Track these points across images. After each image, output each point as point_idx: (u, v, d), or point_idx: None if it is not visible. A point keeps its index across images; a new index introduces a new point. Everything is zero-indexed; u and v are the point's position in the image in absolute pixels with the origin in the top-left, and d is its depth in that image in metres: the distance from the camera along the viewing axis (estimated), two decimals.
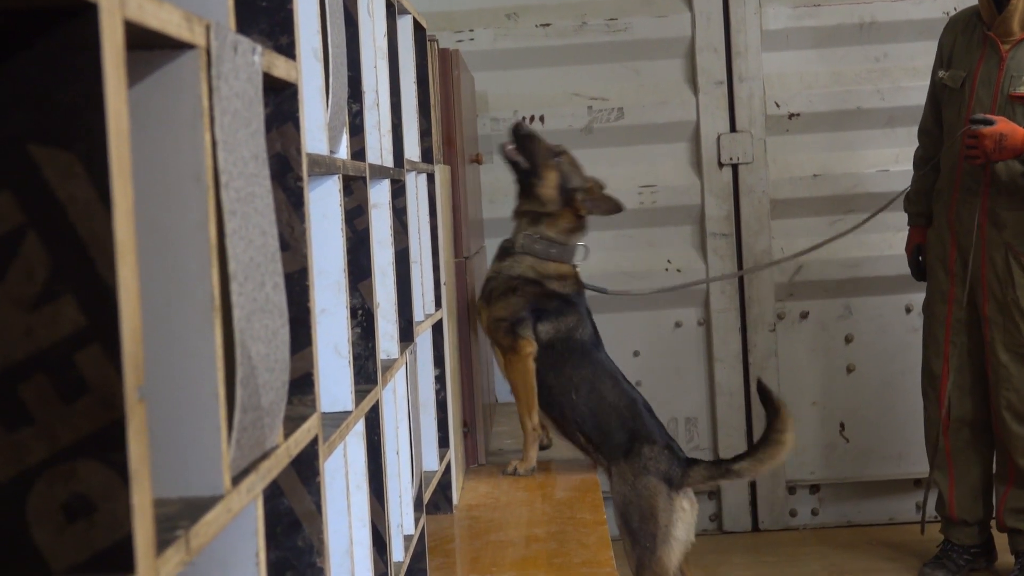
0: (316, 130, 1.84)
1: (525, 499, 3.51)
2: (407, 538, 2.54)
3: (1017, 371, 4.40)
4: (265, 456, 1.37)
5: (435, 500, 3.31)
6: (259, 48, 1.38)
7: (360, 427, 2.05)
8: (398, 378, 2.59)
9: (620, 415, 3.61)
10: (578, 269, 3.78)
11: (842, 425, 5.31)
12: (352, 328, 2.09)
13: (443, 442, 3.27)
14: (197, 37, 1.17)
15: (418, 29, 3.14)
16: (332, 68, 1.92)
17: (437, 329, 3.25)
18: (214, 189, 1.20)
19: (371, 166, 2.31)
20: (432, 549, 3.01)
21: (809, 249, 4.72)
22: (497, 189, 5.21)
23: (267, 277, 1.36)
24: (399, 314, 2.61)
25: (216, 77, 1.22)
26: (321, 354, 1.88)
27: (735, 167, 5.27)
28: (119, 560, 0.97)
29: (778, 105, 5.26)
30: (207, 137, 1.19)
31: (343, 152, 2.06)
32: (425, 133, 3.20)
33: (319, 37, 1.81)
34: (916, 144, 4.75)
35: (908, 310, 5.25)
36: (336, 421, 1.85)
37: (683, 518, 3.46)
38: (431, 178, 3.22)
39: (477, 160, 4.38)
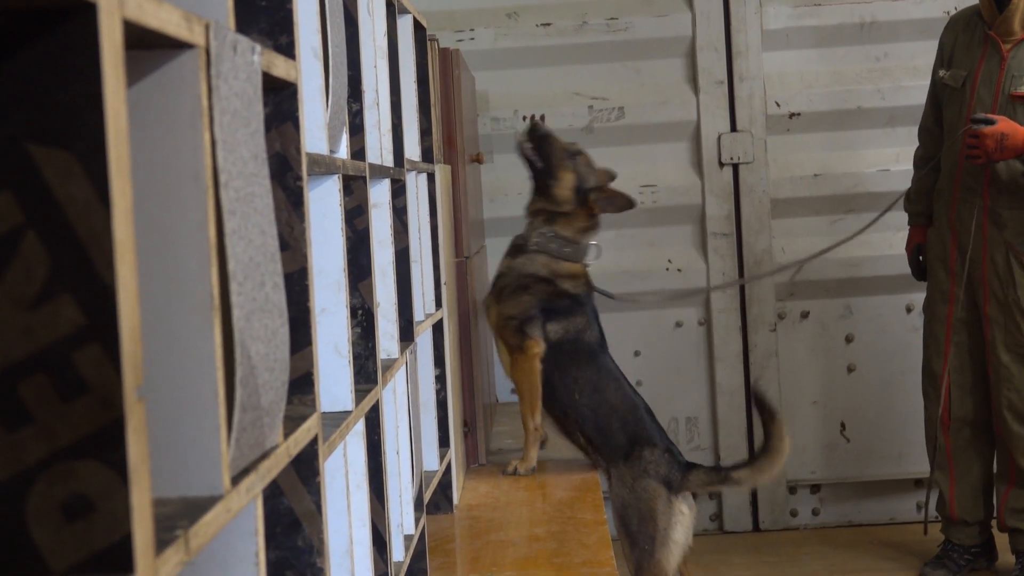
0: (316, 129, 1.84)
1: (525, 499, 3.51)
2: (407, 538, 2.54)
3: (1018, 371, 4.40)
4: (265, 456, 1.37)
5: (435, 500, 3.31)
6: (258, 48, 1.38)
7: (360, 427, 2.05)
8: (398, 378, 2.59)
9: (621, 418, 3.61)
10: (589, 269, 3.77)
11: (843, 425, 5.31)
12: (352, 328, 2.09)
13: (443, 442, 3.27)
14: (196, 37, 1.17)
15: (418, 28, 3.14)
16: (332, 67, 1.92)
17: (437, 329, 3.25)
18: (213, 189, 1.20)
19: (371, 166, 2.31)
20: (432, 549, 3.01)
21: (811, 257, 4.73)
22: (497, 189, 5.22)
23: (267, 277, 1.36)
24: (399, 314, 2.61)
25: (215, 77, 1.22)
26: (321, 354, 1.88)
27: (736, 167, 5.27)
28: (118, 560, 0.97)
29: (779, 105, 5.25)
30: (206, 137, 1.19)
31: (343, 152, 2.06)
32: (425, 133, 3.20)
33: (319, 36, 1.81)
34: (916, 143, 4.75)
35: (909, 310, 5.25)
36: (336, 421, 1.85)
37: (682, 521, 3.46)
38: (431, 178, 3.22)
39: (478, 160, 4.38)
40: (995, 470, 4.61)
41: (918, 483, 5.26)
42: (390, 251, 2.54)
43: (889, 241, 5.12)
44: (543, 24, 5.24)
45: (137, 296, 1.01)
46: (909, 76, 5.22)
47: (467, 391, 3.71)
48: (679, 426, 5.27)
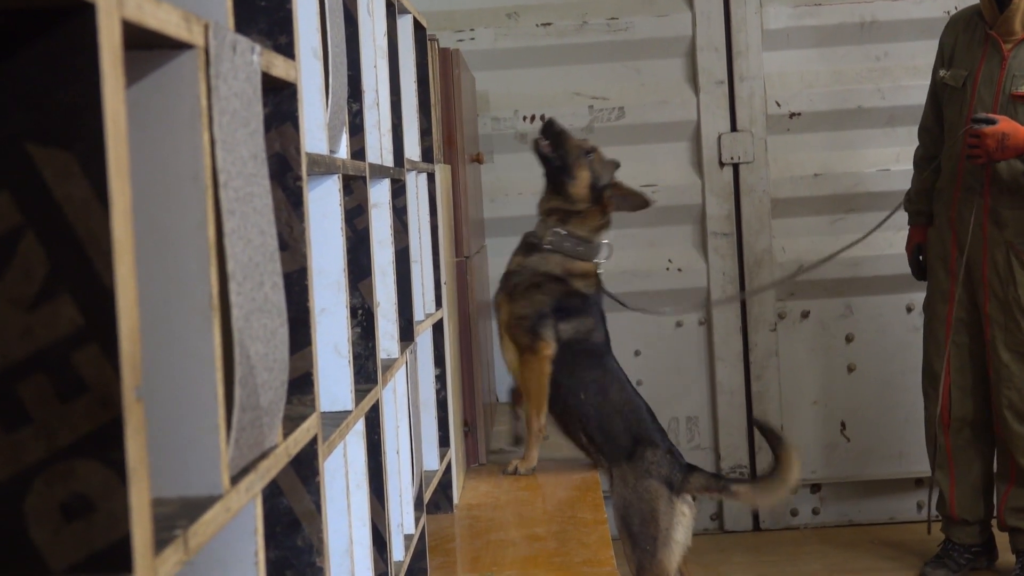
0: (316, 129, 1.84)
1: (526, 498, 3.51)
2: (407, 537, 2.54)
3: (1018, 370, 4.40)
4: (264, 455, 1.37)
5: (436, 499, 3.32)
6: (258, 48, 1.38)
7: (360, 426, 2.05)
8: (398, 377, 2.59)
9: (625, 418, 3.62)
10: (600, 269, 3.78)
11: (843, 424, 5.31)
12: (352, 327, 2.09)
13: (444, 441, 3.27)
14: (196, 37, 1.17)
15: (418, 28, 3.14)
16: (332, 67, 1.92)
17: (438, 328, 3.25)
18: (212, 189, 1.21)
19: (371, 165, 2.32)
20: (432, 548, 3.01)
21: (814, 264, 4.74)
22: (498, 188, 5.22)
23: (266, 277, 1.36)
24: (399, 313, 2.61)
25: (215, 77, 1.22)
26: (321, 353, 1.88)
27: (736, 166, 5.27)
28: (117, 559, 0.97)
29: (779, 104, 5.25)
30: (205, 137, 1.19)
31: (343, 151, 2.06)
32: (425, 132, 3.20)
33: (318, 36, 1.81)
34: (917, 143, 4.75)
35: (909, 309, 5.25)
36: (336, 420, 1.85)
37: (683, 522, 3.47)
38: (431, 177, 3.22)
39: (478, 159, 4.38)
40: (995, 469, 4.61)
41: (918, 483, 5.26)
42: (390, 251, 2.54)
43: (889, 241, 5.12)
44: (543, 24, 5.24)
45: (136, 296, 1.01)
46: (909, 76, 5.21)
47: (467, 391, 3.71)
48: (679, 426, 5.27)
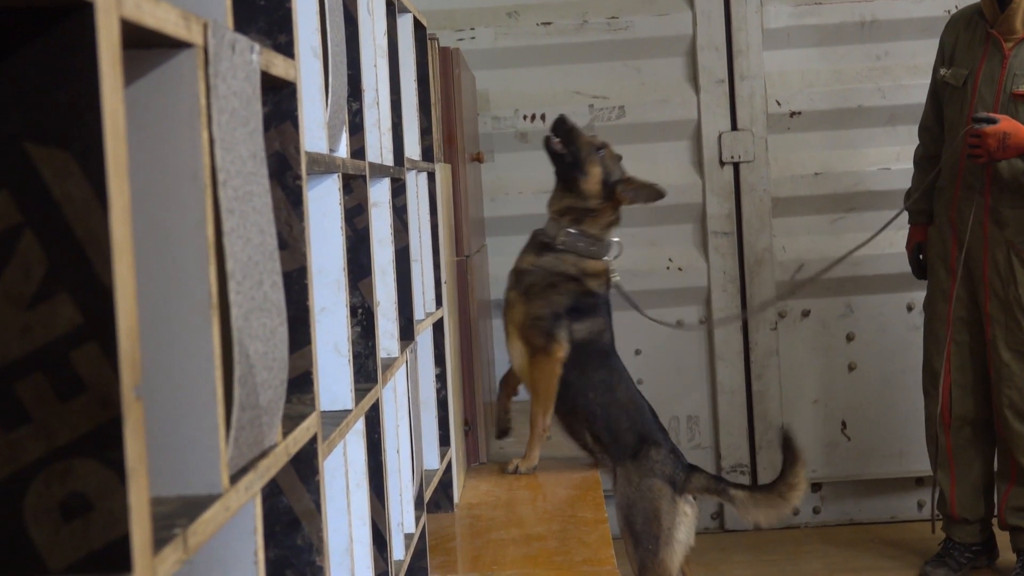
0: (315, 128, 1.84)
1: (526, 497, 3.51)
2: (408, 536, 2.54)
3: (1019, 369, 4.40)
4: (264, 454, 1.37)
5: (436, 498, 3.32)
6: (257, 47, 1.38)
7: (360, 425, 2.05)
8: (398, 376, 2.59)
9: (630, 417, 3.63)
10: (615, 272, 3.78)
11: (843, 423, 5.31)
12: (352, 327, 2.09)
13: (444, 440, 3.27)
14: (195, 36, 1.17)
15: (418, 27, 3.14)
16: (331, 66, 1.92)
17: (438, 327, 3.25)
18: (212, 188, 1.21)
19: (371, 164, 2.32)
20: (433, 547, 3.01)
21: (817, 275, 4.75)
22: (498, 187, 5.22)
23: (265, 276, 1.36)
24: (399, 312, 2.61)
25: (214, 76, 1.22)
26: (321, 353, 1.88)
27: (736, 165, 5.27)
28: (116, 559, 0.97)
29: (779, 103, 5.25)
30: (204, 136, 1.19)
31: (343, 151, 2.06)
32: (426, 131, 3.20)
33: (318, 36, 1.81)
34: (917, 142, 4.75)
35: (909, 308, 5.25)
36: (336, 420, 1.85)
37: (685, 521, 3.47)
38: (432, 176, 3.22)
39: (478, 159, 4.38)
40: (996, 468, 4.61)
41: (919, 482, 5.26)
42: (390, 250, 2.54)
43: (890, 239, 5.11)
44: (543, 23, 5.24)
45: (135, 295, 1.01)
46: (910, 75, 5.21)
47: (467, 390, 3.71)
48: (680, 425, 5.27)
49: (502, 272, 4.92)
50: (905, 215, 4.69)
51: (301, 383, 1.64)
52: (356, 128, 2.19)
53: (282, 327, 1.42)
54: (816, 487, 5.35)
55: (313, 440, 1.61)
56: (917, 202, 4.65)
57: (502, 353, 4.84)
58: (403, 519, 2.51)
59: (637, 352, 5.23)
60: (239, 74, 1.30)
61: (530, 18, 5.24)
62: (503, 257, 5.04)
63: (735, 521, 5.34)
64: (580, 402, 3.65)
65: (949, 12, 4.94)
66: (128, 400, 0.98)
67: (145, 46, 1.16)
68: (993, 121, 4.22)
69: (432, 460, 3.17)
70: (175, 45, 1.17)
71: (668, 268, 5.27)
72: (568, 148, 3.75)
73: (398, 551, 2.46)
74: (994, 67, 4.37)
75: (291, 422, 1.54)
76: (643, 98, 5.25)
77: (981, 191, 4.39)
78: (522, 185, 5.23)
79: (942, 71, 4.54)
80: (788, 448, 3.51)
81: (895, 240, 5.04)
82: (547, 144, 3.79)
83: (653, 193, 3.79)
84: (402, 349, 2.60)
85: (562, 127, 3.79)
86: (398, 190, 2.75)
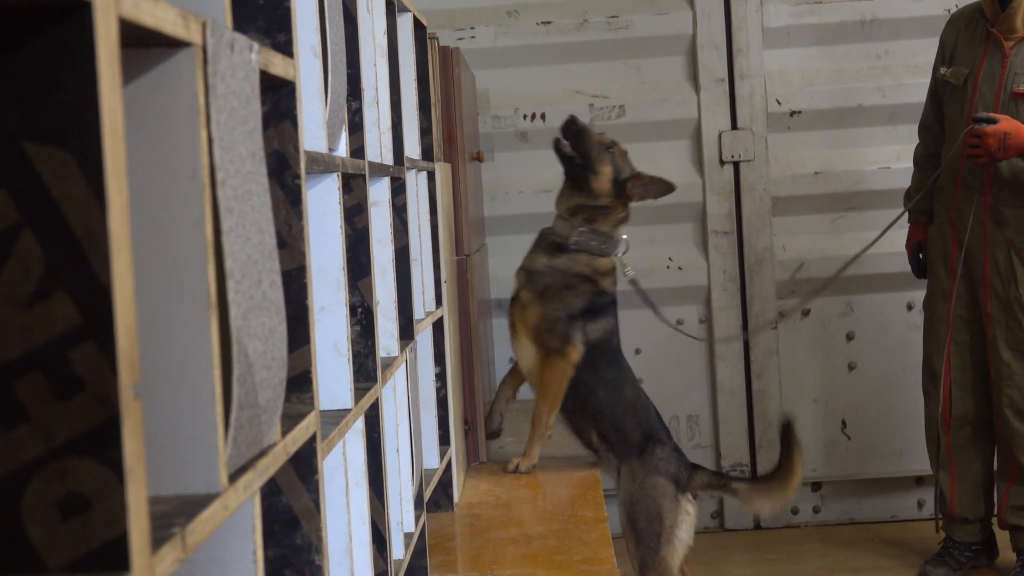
0: (315, 128, 1.84)
1: (526, 497, 3.51)
2: (407, 536, 2.54)
3: (1019, 368, 4.40)
4: (263, 453, 1.37)
5: (436, 498, 3.32)
6: (256, 46, 1.38)
7: (360, 425, 2.05)
8: (398, 376, 2.59)
9: (637, 415, 3.63)
10: (628, 267, 3.79)
11: (843, 423, 5.31)
12: (352, 326, 2.09)
13: (444, 440, 3.27)
14: (193, 35, 1.17)
15: (418, 27, 3.14)
16: (331, 66, 1.92)
17: (438, 327, 3.25)
18: (210, 187, 1.21)
19: (370, 164, 2.32)
20: (433, 547, 3.01)
21: (821, 287, 4.77)
22: (498, 187, 5.21)
23: (264, 275, 1.36)
24: (399, 312, 2.61)
25: (212, 75, 1.22)
26: (320, 352, 1.89)
27: (736, 164, 5.27)
28: (114, 557, 0.97)
29: (779, 102, 5.25)
30: (203, 135, 1.19)
31: (342, 150, 2.06)
32: (425, 131, 3.20)
33: (317, 35, 1.81)
34: (917, 141, 4.74)
35: (909, 307, 5.25)
36: (335, 419, 1.85)
37: (687, 520, 3.49)
38: (431, 176, 3.22)
39: (478, 158, 4.38)
40: (996, 468, 4.61)
41: (919, 481, 5.26)
42: (390, 249, 2.54)
43: (890, 239, 5.11)
44: (543, 22, 5.24)
45: (133, 294, 1.01)
46: (910, 74, 5.21)
47: (467, 389, 3.71)
48: (680, 424, 5.27)
49: (502, 271, 4.93)
50: (906, 215, 4.69)
51: (300, 382, 1.64)
52: (356, 127, 2.19)
53: (281, 326, 1.42)
54: (816, 486, 5.35)
55: (312, 439, 1.61)
56: (917, 201, 4.65)
57: (502, 352, 4.85)
58: (403, 518, 2.51)
59: (637, 351, 5.23)
60: (238, 73, 1.30)
61: (530, 17, 5.24)
62: (503, 256, 5.04)
63: (735, 520, 5.34)
64: (590, 401, 3.66)
65: (949, 11, 4.94)
66: (126, 399, 0.98)
67: (143, 45, 1.16)
68: (993, 121, 4.22)
69: (432, 459, 3.17)
70: (174, 44, 1.17)
71: (668, 267, 5.27)
72: (578, 150, 3.75)
73: (398, 550, 2.46)
74: (995, 66, 4.37)
75: (290, 421, 1.54)
76: (643, 97, 5.25)
77: (981, 190, 4.38)
78: (522, 184, 5.23)
79: (942, 70, 4.54)
80: (786, 436, 3.53)
81: (895, 239, 5.04)
82: (556, 146, 3.78)
83: (663, 187, 3.80)
84: (402, 348, 2.60)
85: (571, 129, 3.79)
86: (398, 189, 2.75)
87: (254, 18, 1.60)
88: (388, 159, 2.57)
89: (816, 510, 5.36)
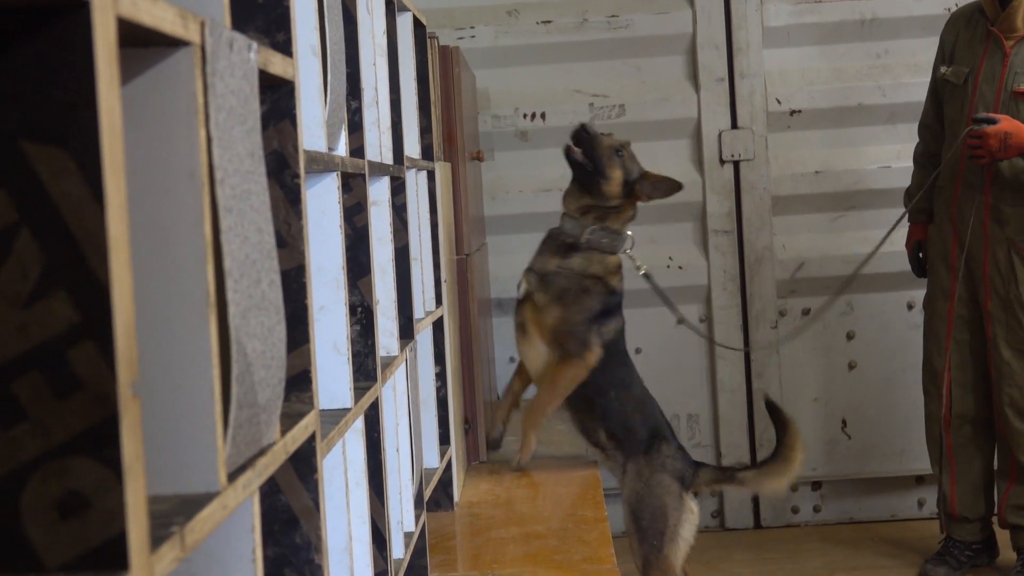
0: (314, 127, 1.84)
1: (526, 496, 3.51)
2: (407, 535, 2.54)
3: (1020, 367, 4.40)
4: (262, 453, 1.37)
5: (436, 497, 3.32)
6: (255, 45, 1.38)
7: (359, 424, 2.05)
8: (398, 375, 2.59)
9: (643, 413, 3.65)
10: (640, 263, 3.81)
11: (844, 422, 5.31)
12: (351, 325, 2.09)
13: (444, 439, 3.27)
14: (192, 34, 1.17)
15: (418, 26, 3.14)
16: (330, 65, 1.92)
17: (438, 326, 3.25)
18: (209, 186, 1.21)
19: (370, 163, 2.32)
20: (433, 546, 3.01)
21: (824, 304, 4.80)
22: (498, 186, 5.21)
23: (263, 274, 1.36)
24: (399, 311, 2.61)
25: (211, 74, 1.22)
26: (320, 351, 1.89)
27: (736, 164, 5.27)
28: (113, 557, 0.97)
29: (779, 102, 5.25)
30: (202, 134, 1.19)
31: (342, 149, 2.06)
32: (425, 130, 3.20)
33: (317, 34, 1.81)
34: (917, 140, 4.74)
35: (910, 307, 5.25)
36: (335, 418, 1.85)
37: (690, 519, 3.50)
38: (431, 175, 3.22)
39: (478, 157, 4.38)
40: (996, 467, 4.61)
41: (919, 480, 5.26)
42: (390, 248, 2.54)
43: (890, 238, 5.12)
44: (543, 21, 5.24)
45: (131, 293, 1.01)
46: (910, 73, 5.21)
47: (467, 388, 3.71)
48: (680, 423, 5.27)
49: (502, 271, 4.93)
50: (903, 209, 4.69)
51: (300, 381, 1.64)
52: (355, 127, 2.19)
53: (280, 325, 1.42)
54: (816, 485, 5.35)
55: (312, 438, 1.61)
56: (917, 200, 4.65)
57: (502, 352, 4.85)
58: (403, 518, 2.51)
59: (638, 351, 5.23)
60: (237, 72, 1.30)
61: (530, 16, 5.24)
62: (503, 256, 5.04)
63: (735, 519, 5.34)
64: (600, 400, 3.66)
65: (949, 10, 4.93)
66: (125, 398, 0.98)
67: (142, 44, 1.16)
68: (993, 121, 4.22)
69: (432, 459, 3.17)
70: (172, 43, 1.17)
71: (668, 267, 5.27)
72: (589, 156, 3.75)
73: (398, 550, 2.46)
74: (995, 65, 4.37)
75: (289, 420, 1.54)
76: (643, 96, 5.25)
77: (981, 189, 4.38)
78: (522, 183, 5.23)
79: (942, 69, 4.53)
80: (775, 416, 3.54)
81: (895, 239, 5.04)
82: (568, 154, 3.77)
83: (671, 186, 3.81)
84: (402, 348, 2.60)
85: (583, 136, 3.78)
86: (398, 189, 2.75)
87: (253, 17, 1.60)
88: (388, 158, 2.57)
89: (816, 509, 5.36)
